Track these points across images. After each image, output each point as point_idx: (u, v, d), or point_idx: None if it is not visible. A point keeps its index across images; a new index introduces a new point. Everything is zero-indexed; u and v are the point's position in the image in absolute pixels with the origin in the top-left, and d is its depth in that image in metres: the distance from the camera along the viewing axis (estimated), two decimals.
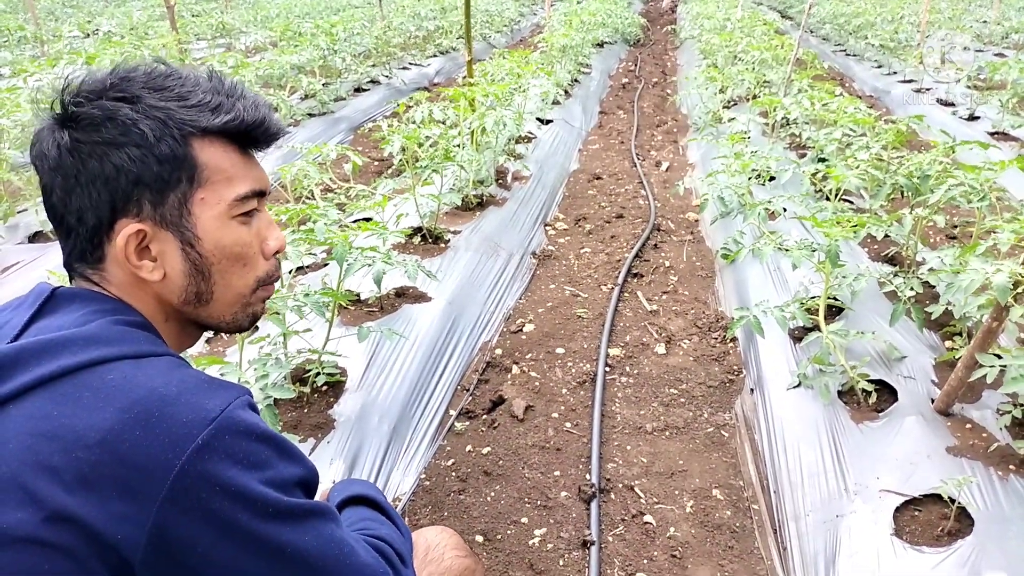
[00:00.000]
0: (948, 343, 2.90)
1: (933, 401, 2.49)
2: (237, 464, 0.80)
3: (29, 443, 0.76)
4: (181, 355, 0.99)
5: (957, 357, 2.46)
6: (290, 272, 3.16)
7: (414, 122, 4.56)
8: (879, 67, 9.41)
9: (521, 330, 3.43)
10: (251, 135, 0.97)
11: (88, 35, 10.84)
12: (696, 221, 4.81)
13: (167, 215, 0.90)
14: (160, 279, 0.92)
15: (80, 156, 0.88)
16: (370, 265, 2.43)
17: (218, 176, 0.93)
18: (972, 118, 6.61)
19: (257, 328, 2.27)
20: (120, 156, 0.87)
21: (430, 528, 1.28)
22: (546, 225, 4.77)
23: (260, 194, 0.99)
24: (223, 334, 1.31)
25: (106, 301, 0.91)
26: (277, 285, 2.95)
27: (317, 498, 1.01)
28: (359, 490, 1.21)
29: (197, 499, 0.78)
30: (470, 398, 2.91)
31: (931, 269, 2.69)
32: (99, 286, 0.93)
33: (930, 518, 2.07)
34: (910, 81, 8.35)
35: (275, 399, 1.96)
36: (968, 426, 2.36)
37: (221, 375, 1.90)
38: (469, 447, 2.61)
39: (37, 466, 0.75)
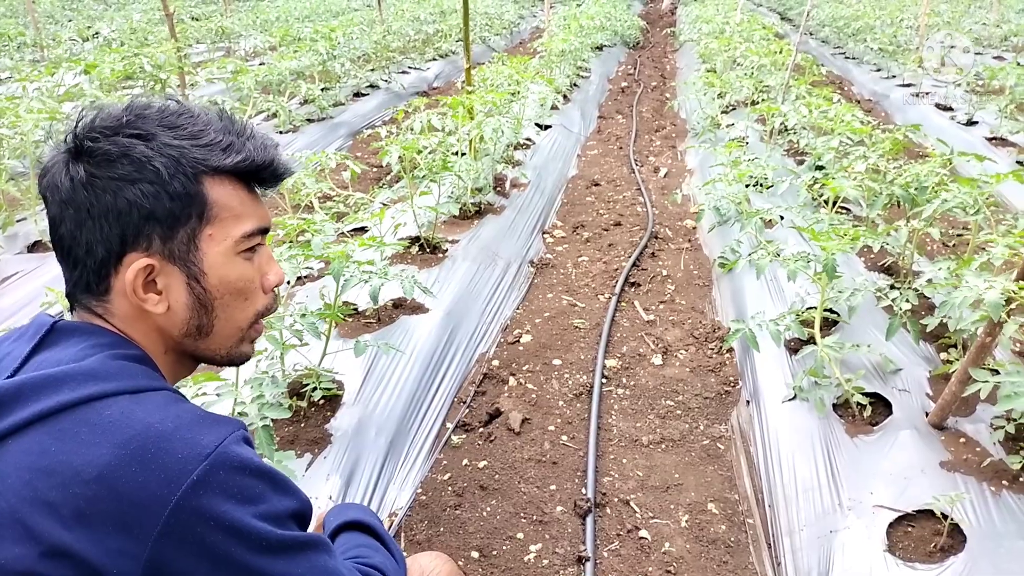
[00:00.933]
0: (944, 355, 2.90)
1: (928, 414, 2.50)
2: (231, 499, 0.82)
3: (28, 478, 0.78)
4: (178, 386, 1.01)
5: (951, 371, 2.47)
6: (289, 283, 3.17)
7: (412, 130, 4.57)
8: (878, 70, 9.42)
9: (518, 341, 3.44)
10: (259, 175, 0.99)
11: (87, 39, 10.85)
12: (694, 228, 4.82)
13: (175, 250, 0.93)
14: (164, 312, 0.94)
15: (94, 190, 0.89)
16: (367, 281, 2.44)
17: (226, 213, 0.95)
18: (970, 123, 6.61)
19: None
20: (134, 192, 0.89)
21: (425, 554, 1.29)
22: (544, 233, 4.78)
23: (264, 231, 1.02)
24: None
25: (105, 335, 0.92)
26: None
27: (313, 521, 1.02)
28: (354, 515, 1.22)
29: (192, 533, 0.79)
30: (467, 411, 2.92)
31: (929, 281, 2.71)
32: (101, 318, 0.94)
33: (923, 534, 2.08)
34: (909, 85, 8.36)
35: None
36: (962, 440, 2.37)
37: (217, 395, 1.91)
38: (466, 461, 2.62)
39: (35, 501, 0.77)
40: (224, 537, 0.81)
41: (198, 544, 0.79)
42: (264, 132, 1.02)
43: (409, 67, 9.95)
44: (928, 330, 2.86)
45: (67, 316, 0.98)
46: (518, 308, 3.78)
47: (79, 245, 0.91)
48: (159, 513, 0.78)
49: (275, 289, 1.05)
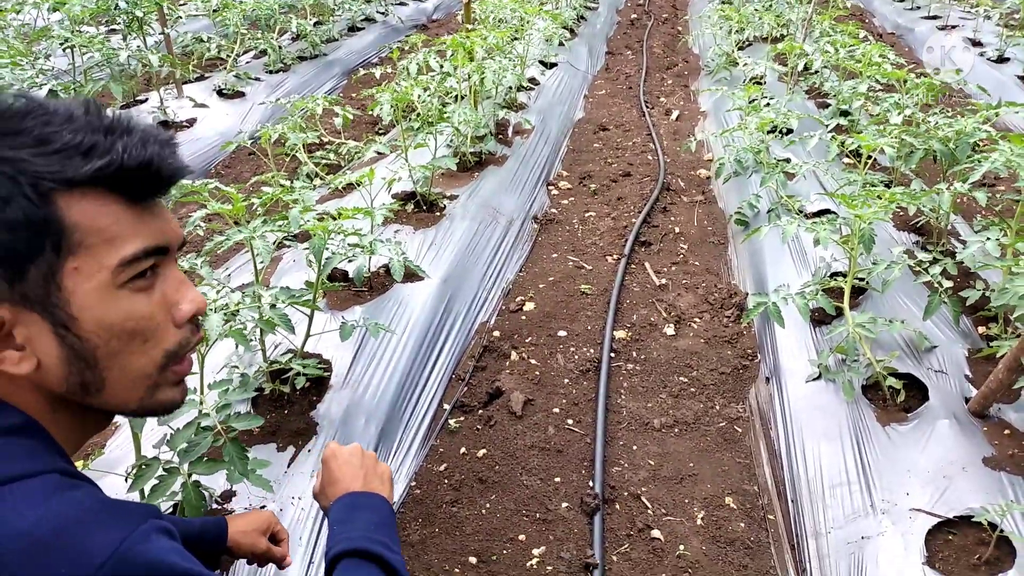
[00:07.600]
0: (982, 328, 2.67)
1: (967, 400, 2.29)
2: None
3: None
4: (74, 459, 0.79)
5: (998, 355, 2.25)
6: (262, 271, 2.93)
7: (408, 71, 4.24)
8: (901, 0, 8.90)
9: (521, 309, 3.21)
10: (138, 181, 0.74)
11: None
12: (708, 179, 4.54)
13: (29, 294, 0.70)
14: (33, 370, 0.73)
15: None
16: (351, 260, 2.19)
17: (94, 238, 0.72)
18: (1001, 59, 6.21)
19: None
20: None
21: None
22: (549, 184, 4.49)
23: (161, 251, 0.78)
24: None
25: None
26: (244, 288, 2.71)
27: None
28: (367, 544, 1.02)
29: None
30: (466, 389, 2.72)
31: (978, 265, 2.47)
32: None
33: (966, 543, 1.89)
34: (935, 17, 7.88)
35: (246, 414, 1.76)
36: (1007, 432, 2.16)
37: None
38: (463, 449, 2.43)
39: None
40: None
41: None
42: (150, 124, 0.77)
43: None
44: (967, 303, 2.63)
45: None
46: (521, 271, 3.54)
47: None
48: None
49: (196, 319, 0.82)
